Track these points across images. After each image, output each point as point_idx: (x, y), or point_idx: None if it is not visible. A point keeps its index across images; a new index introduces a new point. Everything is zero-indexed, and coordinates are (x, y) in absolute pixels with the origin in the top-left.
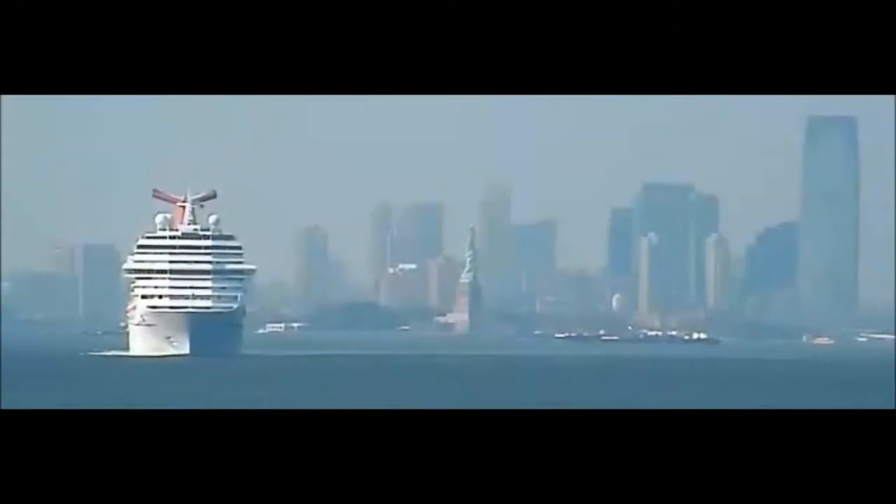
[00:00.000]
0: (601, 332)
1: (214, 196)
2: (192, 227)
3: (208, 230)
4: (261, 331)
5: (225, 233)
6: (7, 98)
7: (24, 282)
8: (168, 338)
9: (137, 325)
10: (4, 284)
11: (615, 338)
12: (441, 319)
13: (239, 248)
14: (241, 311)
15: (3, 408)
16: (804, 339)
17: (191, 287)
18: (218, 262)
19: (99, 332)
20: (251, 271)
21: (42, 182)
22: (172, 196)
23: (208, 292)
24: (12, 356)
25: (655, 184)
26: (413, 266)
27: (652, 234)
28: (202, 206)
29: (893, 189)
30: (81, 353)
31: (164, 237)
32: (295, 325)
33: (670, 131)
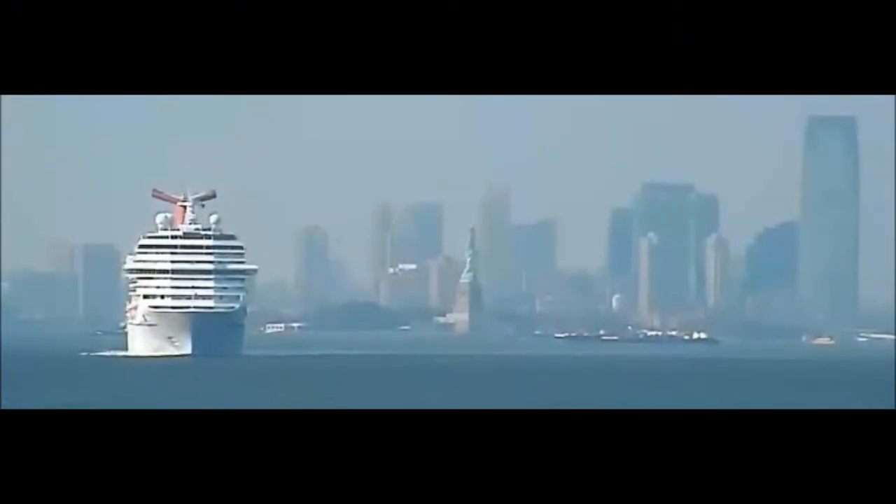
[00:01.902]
0: (601, 332)
1: (214, 196)
2: (194, 226)
3: (209, 230)
4: (267, 331)
5: (226, 233)
6: (7, 98)
7: (24, 282)
8: (170, 338)
9: (139, 325)
10: (4, 284)
11: (615, 338)
12: (441, 319)
13: (240, 247)
14: (243, 312)
15: (3, 408)
16: (804, 339)
17: (192, 287)
18: (220, 262)
19: (99, 333)
20: (253, 271)
21: (42, 182)
22: (172, 196)
23: (210, 292)
24: (12, 356)
25: (655, 184)
26: (413, 266)
27: (652, 234)
28: (203, 205)
29: (893, 189)
30: (82, 353)
31: (165, 237)
32: (295, 325)
33: (670, 131)
